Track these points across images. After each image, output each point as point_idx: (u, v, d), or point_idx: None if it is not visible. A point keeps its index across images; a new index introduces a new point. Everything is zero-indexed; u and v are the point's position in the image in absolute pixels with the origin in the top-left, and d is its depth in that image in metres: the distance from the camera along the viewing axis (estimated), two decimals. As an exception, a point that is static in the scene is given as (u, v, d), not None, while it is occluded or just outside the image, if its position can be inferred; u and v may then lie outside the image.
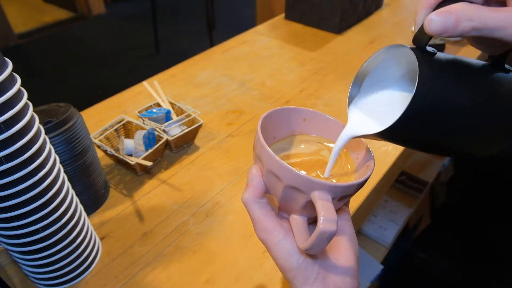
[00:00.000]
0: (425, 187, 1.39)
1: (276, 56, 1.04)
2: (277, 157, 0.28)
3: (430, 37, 0.26)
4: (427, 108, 0.26)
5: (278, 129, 0.35)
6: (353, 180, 0.31)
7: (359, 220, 0.68)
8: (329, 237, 0.26)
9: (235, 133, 0.76)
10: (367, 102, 0.33)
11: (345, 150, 0.36)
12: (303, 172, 0.28)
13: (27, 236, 0.42)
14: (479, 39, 0.28)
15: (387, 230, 1.25)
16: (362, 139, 0.34)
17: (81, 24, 3.13)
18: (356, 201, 0.61)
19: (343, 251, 0.31)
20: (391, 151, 0.72)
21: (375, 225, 1.26)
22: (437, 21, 0.24)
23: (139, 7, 3.37)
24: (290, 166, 0.28)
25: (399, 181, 1.41)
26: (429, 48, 0.27)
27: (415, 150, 0.32)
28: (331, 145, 0.36)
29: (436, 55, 0.27)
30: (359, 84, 0.33)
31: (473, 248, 1.47)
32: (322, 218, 0.26)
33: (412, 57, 0.26)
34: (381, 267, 1.15)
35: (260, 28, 1.20)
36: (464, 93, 0.27)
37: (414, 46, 0.27)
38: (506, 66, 0.28)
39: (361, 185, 0.30)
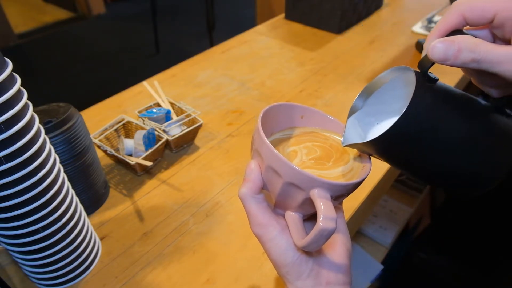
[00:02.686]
0: (425, 187, 1.39)
1: (276, 56, 1.04)
2: (277, 153, 0.28)
3: (433, 63, 0.27)
4: (411, 131, 0.27)
5: (276, 124, 0.35)
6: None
7: (359, 220, 0.68)
8: (328, 235, 0.27)
9: (235, 133, 0.76)
10: (366, 116, 0.33)
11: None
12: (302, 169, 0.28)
13: (27, 236, 0.42)
14: (481, 77, 0.29)
15: (387, 230, 1.25)
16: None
17: (81, 24, 3.13)
18: (356, 201, 0.61)
19: (337, 248, 0.32)
20: (391, 151, 0.72)
21: (375, 225, 1.26)
22: (440, 48, 0.25)
23: (139, 7, 3.38)
24: (290, 163, 0.28)
25: (399, 181, 1.41)
26: (431, 74, 0.28)
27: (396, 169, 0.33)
28: (327, 134, 0.36)
29: (437, 83, 0.28)
30: (365, 98, 0.34)
31: (473, 248, 1.47)
32: (322, 216, 0.26)
33: (413, 79, 0.27)
34: (381, 267, 1.15)
35: (260, 28, 1.20)
36: (453, 128, 0.27)
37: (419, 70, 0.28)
38: (507, 110, 0.28)
39: (357, 185, 0.30)
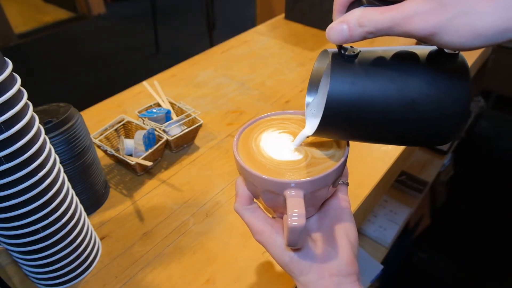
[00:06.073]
0: (425, 187, 1.39)
1: (276, 56, 1.04)
2: (247, 167, 0.30)
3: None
4: (340, 112, 0.27)
5: None
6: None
7: (359, 220, 0.68)
8: (300, 231, 0.28)
9: (235, 133, 0.76)
10: (317, 106, 0.34)
11: None
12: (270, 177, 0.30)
13: (27, 236, 0.42)
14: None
15: (387, 230, 1.25)
16: None
17: (81, 24, 3.13)
18: (356, 201, 0.61)
19: (338, 239, 0.32)
20: (391, 151, 0.72)
21: (375, 225, 1.26)
22: (334, 31, 0.25)
23: (139, 7, 3.37)
24: (259, 173, 0.29)
25: (399, 181, 1.41)
26: (350, 50, 0.27)
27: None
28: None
29: (360, 54, 0.27)
30: (315, 91, 0.35)
31: (473, 248, 1.47)
32: (289, 215, 0.27)
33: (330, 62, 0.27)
34: (381, 267, 1.14)
35: (260, 28, 1.20)
36: (386, 95, 0.26)
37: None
38: (446, 50, 0.27)
39: (335, 172, 0.30)
